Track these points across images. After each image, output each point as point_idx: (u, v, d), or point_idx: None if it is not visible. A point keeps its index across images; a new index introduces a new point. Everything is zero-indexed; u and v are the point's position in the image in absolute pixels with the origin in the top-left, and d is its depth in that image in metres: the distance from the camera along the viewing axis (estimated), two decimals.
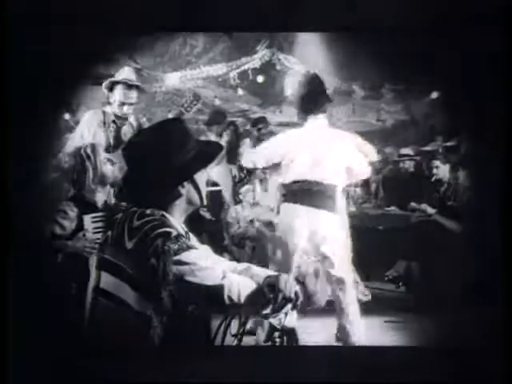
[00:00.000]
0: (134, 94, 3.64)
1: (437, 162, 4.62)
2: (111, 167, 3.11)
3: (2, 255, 2.77)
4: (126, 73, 3.64)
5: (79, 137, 3.52)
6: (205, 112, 5.33)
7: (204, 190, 2.02)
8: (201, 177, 2.00)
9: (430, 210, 4.43)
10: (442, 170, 4.59)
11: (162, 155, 1.93)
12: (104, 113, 3.61)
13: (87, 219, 3.02)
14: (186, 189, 1.97)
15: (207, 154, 2.03)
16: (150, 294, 1.83)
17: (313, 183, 3.44)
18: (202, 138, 4.65)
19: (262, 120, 5.33)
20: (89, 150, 3.10)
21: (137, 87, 3.66)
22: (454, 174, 4.52)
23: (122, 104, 3.60)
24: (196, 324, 1.91)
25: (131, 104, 3.62)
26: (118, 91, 3.60)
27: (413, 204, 4.62)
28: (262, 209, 4.68)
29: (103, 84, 3.63)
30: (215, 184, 4.60)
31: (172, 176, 1.94)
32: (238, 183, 4.99)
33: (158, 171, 1.92)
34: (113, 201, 3.16)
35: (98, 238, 2.91)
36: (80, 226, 3.02)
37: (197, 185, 1.99)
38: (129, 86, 3.62)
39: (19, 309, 2.79)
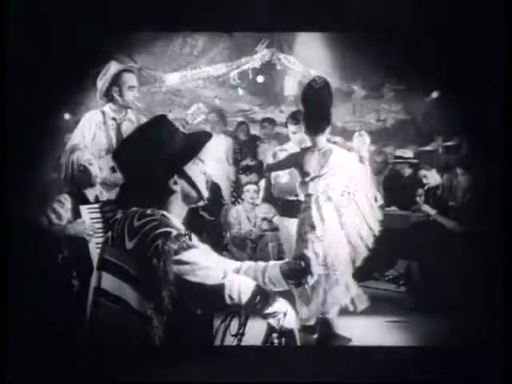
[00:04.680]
0: (133, 78, 3.67)
1: (423, 172, 4.63)
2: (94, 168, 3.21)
3: (2, 255, 2.78)
4: (116, 64, 3.65)
5: (81, 138, 3.52)
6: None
7: (202, 183, 2.00)
8: (194, 171, 1.98)
9: (431, 211, 4.42)
10: (430, 177, 4.59)
11: (150, 155, 1.92)
12: (103, 113, 3.61)
13: (84, 209, 3.08)
14: (180, 185, 1.96)
15: (194, 144, 2.00)
16: (151, 293, 1.83)
17: None
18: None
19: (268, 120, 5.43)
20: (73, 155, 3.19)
21: (132, 71, 3.69)
22: (449, 175, 4.51)
23: (131, 88, 3.61)
24: (196, 324, 1.91)
25: (134, 87, 3.64)
26: (125, 78, 3.61)
27: (418, 201, 4.61)
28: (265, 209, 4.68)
29: (103, 82, 3.61)
30: (216, 185, 4.60)
31: (160, 173, 1.93)
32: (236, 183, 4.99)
33: (147, 171, 1.91)
34: (105, 197, 3.21)
35: (97, 228, 2.99)
36: (76, 216, 3.09)
37: (190, 179, 1.97)
38: (128, 71, 3.64)
39: (19, 308, 2.79)
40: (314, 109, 3.63)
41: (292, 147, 4.05)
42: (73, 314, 2.41)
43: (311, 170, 3.64)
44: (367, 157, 3.73)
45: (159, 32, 4.42)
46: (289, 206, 4.11)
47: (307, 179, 3.65)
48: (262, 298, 1.87)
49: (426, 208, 4.43)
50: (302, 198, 3.76)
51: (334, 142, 3.89)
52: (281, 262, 2.04)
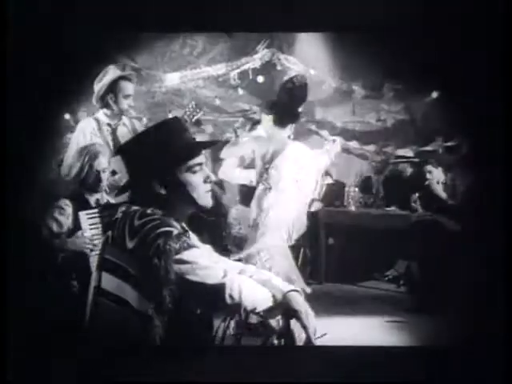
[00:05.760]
0: (131, 86, 3.66)
1: (429, 167, 4.63)
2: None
3: (2, 255, 2.77)
4: (115, 70, 3.65)
5: (75, 146, 3.50)
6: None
7: (201, 191, 1.95)
8: (188, 176, 1.93)
9: (442, 194, 4.45)
10: (435, 174, 4.59)
11: (149, 155, 1.91)
12: (97, 120, 3.61)
13: (82, 216, 3.04)
14: (171, 189, 1.92)
15: (188, 151, 1.95)
16: (151, 293, 1.83)
17: None
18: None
19: None
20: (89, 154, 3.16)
21: (129, 79, 3.69)
22: (450, 175, 4.52)
23: (127, 96, 3.61)
24: (197, 323, 1.91)
25: (130, 96, 3.64)
26: (122, 86, 3.61)
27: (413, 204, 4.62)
28: None
29: (100, 87, 3.60)
30: (220, 183, 4.60)
31: (148, 173, 1.91)
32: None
33: (146, 170, 1.92)
34: (105, 199, 3.20)
35: (95, 235, 2.96)
36: (77, 224, 3.05)
37: (183, 185, 1.93)
38: (125, 79, 3.64)
39: (19, 309, 2.79)
40: (289, 103, 3.85)
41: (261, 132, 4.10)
42: (73, 314, 2.41)
43: (263, 159, 3.80)
44: (333, 160, 3.97)
45: (159, 32, 4.42)
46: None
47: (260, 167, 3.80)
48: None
49: (439, 192, 4.44)
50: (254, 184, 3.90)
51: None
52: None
